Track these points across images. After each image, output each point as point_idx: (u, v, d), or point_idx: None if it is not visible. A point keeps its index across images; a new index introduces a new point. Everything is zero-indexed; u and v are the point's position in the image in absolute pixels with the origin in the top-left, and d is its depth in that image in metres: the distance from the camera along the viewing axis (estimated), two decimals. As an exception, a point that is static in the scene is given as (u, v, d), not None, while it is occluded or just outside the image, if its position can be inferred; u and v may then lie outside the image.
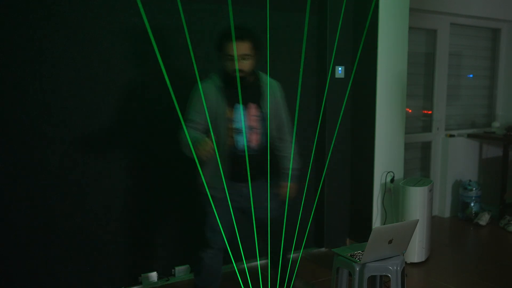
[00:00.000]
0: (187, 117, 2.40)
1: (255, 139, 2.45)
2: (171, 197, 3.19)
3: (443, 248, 3.99)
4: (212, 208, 2.40)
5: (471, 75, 5.10)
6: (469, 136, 4.90)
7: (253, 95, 2.47)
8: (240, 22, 3.25)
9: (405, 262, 2.58)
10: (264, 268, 3.35)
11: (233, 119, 2.39)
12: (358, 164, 3.84)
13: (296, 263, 2.77)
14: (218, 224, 2.44)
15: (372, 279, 2.55)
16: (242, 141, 2.40)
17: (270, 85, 2.51)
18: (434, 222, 4.34)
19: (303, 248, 3.74)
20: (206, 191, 2.40)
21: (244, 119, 2.40)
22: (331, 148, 3.60)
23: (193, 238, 3.07)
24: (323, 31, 3.63)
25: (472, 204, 4.66)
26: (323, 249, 3.89)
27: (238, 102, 2.38)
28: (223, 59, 2.40)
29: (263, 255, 2.78)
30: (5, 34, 2.56)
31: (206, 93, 2.37)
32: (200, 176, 2.42)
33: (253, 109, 2.44)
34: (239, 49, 2.32)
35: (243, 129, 2.40)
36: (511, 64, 5.15)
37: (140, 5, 1.16)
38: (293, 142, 2.51)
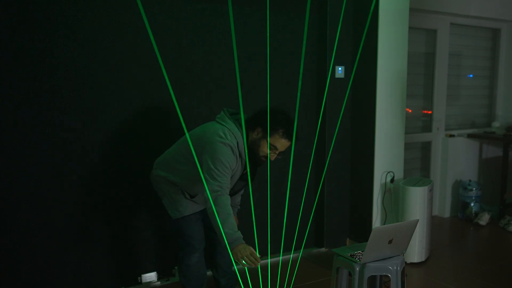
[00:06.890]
0: (223, 181, 2.26)
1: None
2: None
3: (443, 248, 3.99)
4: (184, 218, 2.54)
5: (471, 75, 5.10)
6: (469, 136, 4.90)
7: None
8: (240, 22, 3.25)
9: (405, 262, 2.58)
10: (264, 267, 3.35)
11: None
12: (358, 164, 3.84)
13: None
14: (196, 227, 2.57)
15: (372, 279, 2.55)
16: None
17: None
18: (434, 222, 4.34)
19: (303, 248, 3.74)
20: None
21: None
22: (331, 148, 3.60)
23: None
24: (323, 31, 3.63)
25: (472, 204, 4.66)
26: (323, 249, 3.89)
27: (246, 173, 2.45)
28: (261, 139, 2.35)
29: (263, 254, 2.78)
30: (5, 34, 2.56)
31: (235, 157, 2.34)
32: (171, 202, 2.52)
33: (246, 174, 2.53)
34: (284, 146, 2.36)
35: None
36: (511, 64, 5.15)
37: (140, 5, 1.16)
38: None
